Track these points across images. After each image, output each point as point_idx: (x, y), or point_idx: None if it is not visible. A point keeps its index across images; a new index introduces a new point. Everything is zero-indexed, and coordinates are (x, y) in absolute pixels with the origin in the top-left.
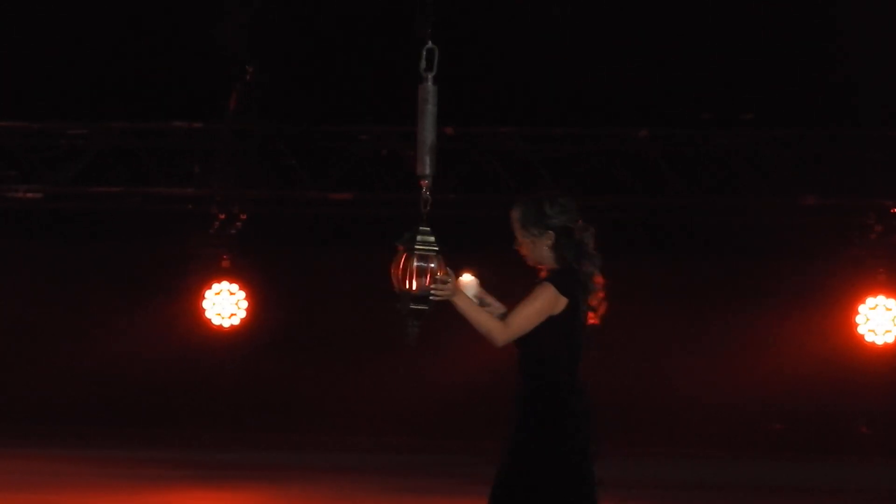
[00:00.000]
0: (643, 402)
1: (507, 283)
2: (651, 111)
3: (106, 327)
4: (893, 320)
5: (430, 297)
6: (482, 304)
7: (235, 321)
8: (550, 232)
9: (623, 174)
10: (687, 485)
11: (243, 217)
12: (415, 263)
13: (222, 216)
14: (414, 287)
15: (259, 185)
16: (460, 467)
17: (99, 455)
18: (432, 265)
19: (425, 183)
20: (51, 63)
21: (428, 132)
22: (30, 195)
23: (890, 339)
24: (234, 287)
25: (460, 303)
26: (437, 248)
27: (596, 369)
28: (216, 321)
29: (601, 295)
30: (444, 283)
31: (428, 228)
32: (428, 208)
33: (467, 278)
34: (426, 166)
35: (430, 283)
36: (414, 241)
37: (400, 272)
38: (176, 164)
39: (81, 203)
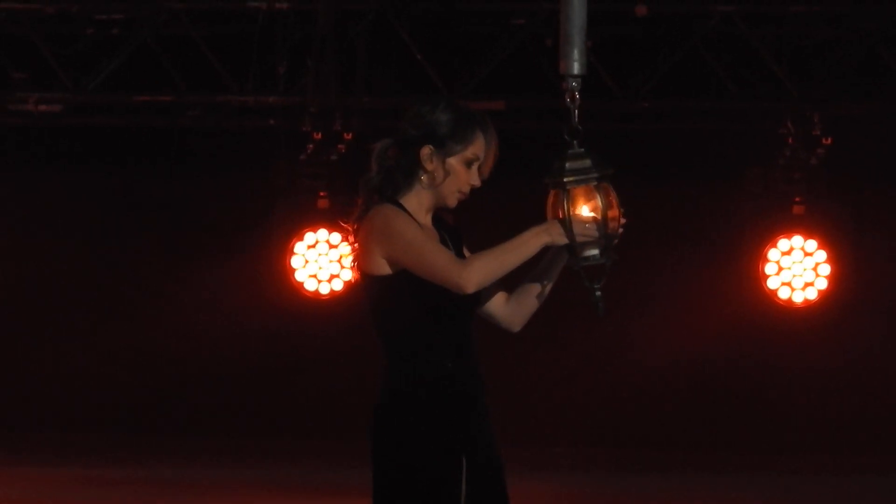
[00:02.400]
0: None
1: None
2: None
3: (154, 293)
4: None
5: (612, 242)
6: None
7: (337, 286)
8: None
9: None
10: None
11: (348, 137)
12: (575, 203)
13: (318, 135)
14: (578, 235)
15: (371, 91)
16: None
17: (153, 475)
18: (597, 200)
19: (573, 86)
20: None
21: (576, 14)
22: (44, 107)
23: None
24: (336, 238)
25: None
26: (597, 174)
27: None
28: (310, 286)
29: None
30: (620, 220)
31: (582, 150)
32: (577, 120)
33: None
34: (573, 63)
35: (598, 224)
36: (563, 172)
37: (559, 217)
38: (252, 60)
39: (117, 118)
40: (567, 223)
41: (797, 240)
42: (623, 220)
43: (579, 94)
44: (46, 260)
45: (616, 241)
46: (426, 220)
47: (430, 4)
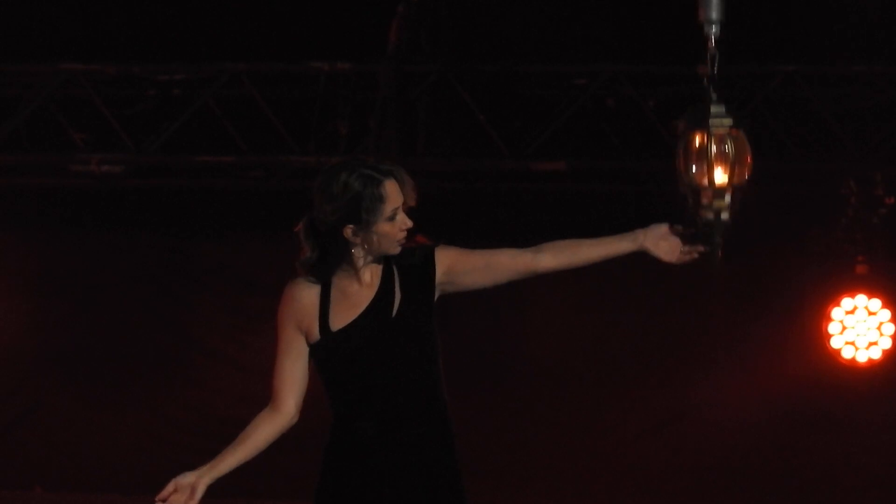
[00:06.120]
0: None
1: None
2: None
3: (215, 357)
4: None
5: (737, 193)
6: None
7: None
8: None
9: None
10: None
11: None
12: (712, 148)
13: None
14: (710, 181)
15: (434, 152)
16: None
17: None
18: (728, 144)
19: (713, 31)
20: None
21: None
22: (105, 168)
23: None
24: None
25: None
26: (731, 121)
27: None
28: None
29: None
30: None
31: (716, 96)
32: (716, 70)
33: None
34: (712, 9)
35: (731, 173)
36: (703, 117)
37: (689, 163)
38: (314, 122)
39: (178, 179)
40: (692, 168)
41: (861, 299)
42: (749, 172)
43: (717, 41)
44: (107, 322)
45: (741, 191)
46: (366, 275)
47: (491, 66)
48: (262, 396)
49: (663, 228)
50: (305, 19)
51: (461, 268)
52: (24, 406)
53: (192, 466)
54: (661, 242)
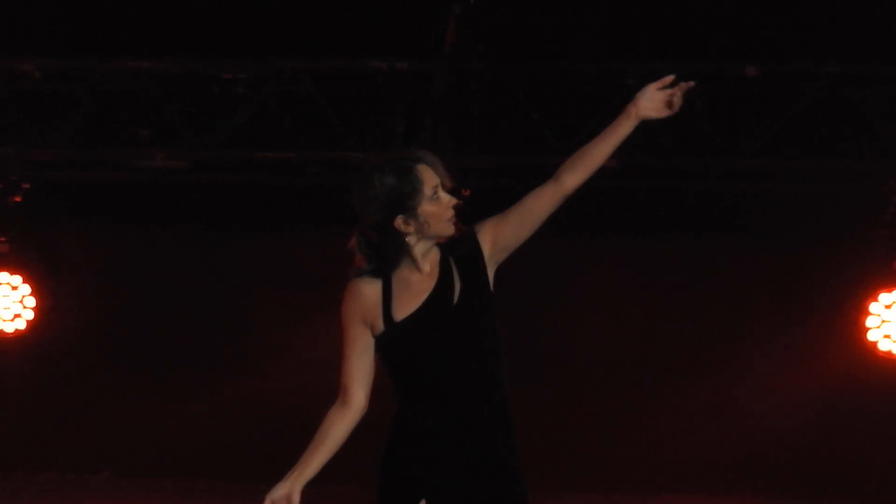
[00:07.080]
0: None
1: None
2: None
3: (270, 348)
4: None
5: None
6: None
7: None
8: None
9: None
10: None
11: (465, 193)
12: None
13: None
14: None
15: (488, 150)
16: None
17: None
18: None
19: None
20: None
21: None
22: (171, 163)
23: None
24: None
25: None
26: None
27: None
28: None
29: None
30: None
31: None
32: None
33: None
34: None
35: None
36: None
37: None
38: (371, 119)
39: (238, 175)
40: None
41: None
42: None
43: None
44: (169, 313)
45: None
46: (425, 265)
47: (544, 65)
48: (319, 385)
49: (648, 90)
50: (365, 19)
51: (502, 233)
52: (90, 394)
53: (251, 452)
54: (651, 104)
